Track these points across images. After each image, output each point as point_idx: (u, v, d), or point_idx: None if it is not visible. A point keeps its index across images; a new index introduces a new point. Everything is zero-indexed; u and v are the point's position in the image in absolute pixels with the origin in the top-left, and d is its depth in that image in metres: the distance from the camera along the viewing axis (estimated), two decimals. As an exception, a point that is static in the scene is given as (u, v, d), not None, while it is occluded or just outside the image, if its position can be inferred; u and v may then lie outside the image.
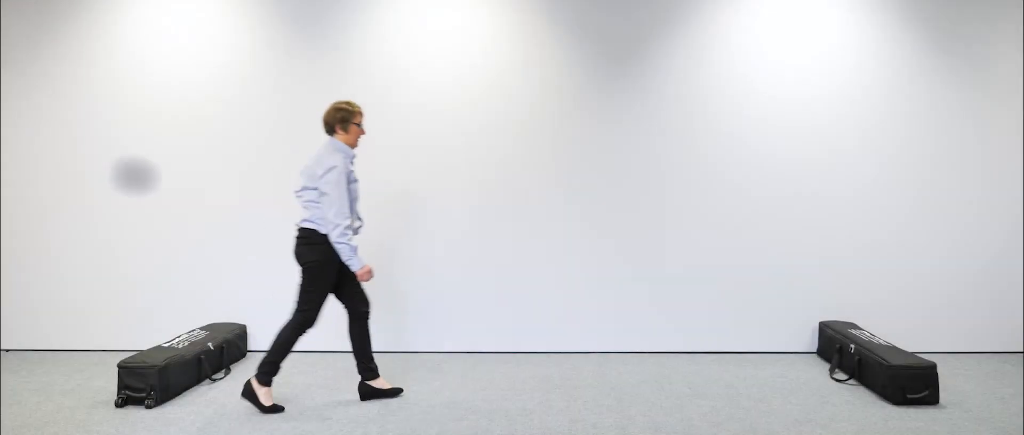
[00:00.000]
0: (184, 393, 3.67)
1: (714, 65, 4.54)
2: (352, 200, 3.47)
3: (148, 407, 3.43)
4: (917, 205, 4.57)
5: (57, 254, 4.58)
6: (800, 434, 3.13)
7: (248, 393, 3.41)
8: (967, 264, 4.58)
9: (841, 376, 3.98)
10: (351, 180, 3.46)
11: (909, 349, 3.90)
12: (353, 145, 3.51)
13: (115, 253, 4.58)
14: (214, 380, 3.90)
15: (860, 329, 4.33)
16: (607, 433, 3.13)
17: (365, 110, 4.50)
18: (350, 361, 4.30)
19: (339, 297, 3.60)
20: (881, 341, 4.03)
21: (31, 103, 4.55)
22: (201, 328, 4.32)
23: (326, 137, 3.51)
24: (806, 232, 4.44)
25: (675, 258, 4.57)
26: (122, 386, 3.47)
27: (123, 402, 3.46)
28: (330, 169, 3.32)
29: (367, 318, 3.60)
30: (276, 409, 3.41)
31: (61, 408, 3.45)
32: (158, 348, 3.80)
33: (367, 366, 3.61)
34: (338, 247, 3.36)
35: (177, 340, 3.98)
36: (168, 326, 4.51)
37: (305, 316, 3.44)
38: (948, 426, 3.23)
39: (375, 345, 4.54)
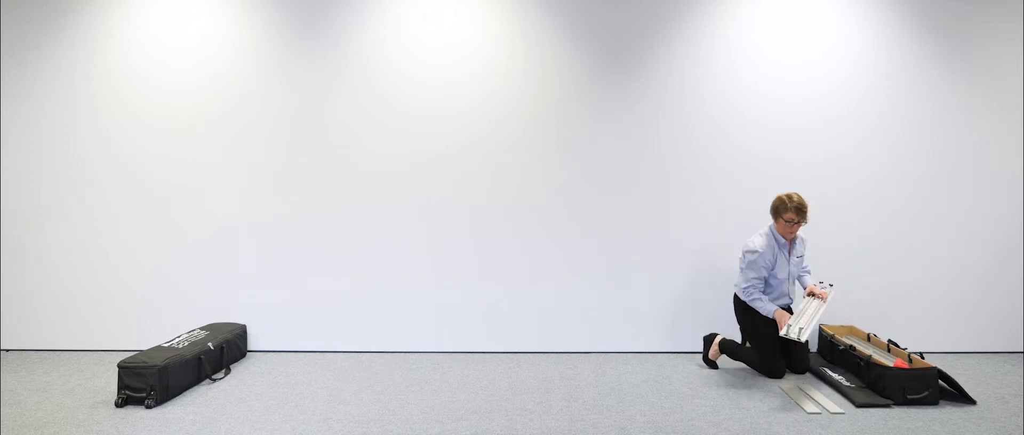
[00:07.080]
0: (184, 393, 3.67)
1: (715, 66, 4.55)
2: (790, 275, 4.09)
3: (148, 407, 3.43)
4: (917, 206, 4.58)
5: (57, 254, 4.59)
6: (800, 434, 3.13)
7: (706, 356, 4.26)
8: (967, 265, 4.59)
9: (840, 376, 3.98)
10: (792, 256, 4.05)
11: (909, 349, 3.90)
12: (782, 234, 3.98)
13: (115, 253, 4.58)
14: (214, 380, 3.90)
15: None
16: (607, 433, 3.13)
17: (366, 110, 4.56)
18: (350, 361, 4.32)
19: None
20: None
21: (31, 103, 4.55)
22: (201, 328, 4.33)
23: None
24: (806, 232, 4.44)
25: (675, 258, 4.58)
26: (122, 386, 3.48)
27: (123, 402, 3.46)
28: (749, 251, 3.98)
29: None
30: (713, 365, 4.20)
31: (61, 408, 3.45)
32: (158, 348, 3.80)
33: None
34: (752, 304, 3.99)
35: (177, 340, 3.98)
36: (168, 326, 4.53)
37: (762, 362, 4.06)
38: (948, 426, 3.23)
39: (373, 345, 4.59)
